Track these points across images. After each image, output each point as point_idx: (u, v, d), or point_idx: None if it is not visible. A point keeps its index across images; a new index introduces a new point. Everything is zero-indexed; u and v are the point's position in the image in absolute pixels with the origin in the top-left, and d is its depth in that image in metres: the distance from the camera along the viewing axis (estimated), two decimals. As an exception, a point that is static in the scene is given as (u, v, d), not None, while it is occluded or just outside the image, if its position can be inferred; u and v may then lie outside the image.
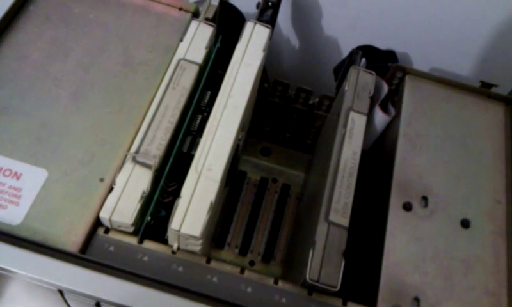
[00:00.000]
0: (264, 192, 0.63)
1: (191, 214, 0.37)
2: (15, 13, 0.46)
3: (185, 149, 0.43)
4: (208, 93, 0.46)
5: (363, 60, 0.52)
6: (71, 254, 0.35)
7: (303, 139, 0.64)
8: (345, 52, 0.60)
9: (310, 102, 0.57)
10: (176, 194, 0.41)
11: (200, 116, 0.46)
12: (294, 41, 0.64)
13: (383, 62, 0.52)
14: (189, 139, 0.44)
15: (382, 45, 0.57)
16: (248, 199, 0.63)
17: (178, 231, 0.36)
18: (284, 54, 0.66)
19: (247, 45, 0.45)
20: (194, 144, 0.44)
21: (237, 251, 0.59)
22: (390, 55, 0.57)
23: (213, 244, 0.59)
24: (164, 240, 0.39)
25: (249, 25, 0.46)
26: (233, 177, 0.54)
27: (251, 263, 0.59)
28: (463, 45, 0.56)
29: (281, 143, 0.65)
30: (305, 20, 0.61)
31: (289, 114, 0.59)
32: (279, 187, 0.64)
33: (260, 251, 0.60)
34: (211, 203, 0.37)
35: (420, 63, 0.59)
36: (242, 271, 0.38)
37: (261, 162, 0.66)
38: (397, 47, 0.58)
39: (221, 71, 0.48)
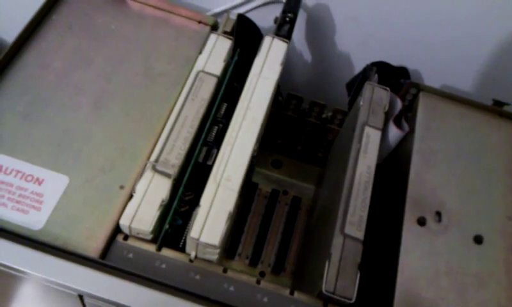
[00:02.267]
0: (275, 204, 0.64)
1: (210, 223, 0.37)
2: (38, 22, 0.47)
3: (200, 160, 0.44)
4: (225, 105, 0.47)
5: (376, 76, 0.52)
6: (93, 260, 0.36)
7: (314, 152, 0.64)
8: (358, 68, 0.61)
9: (323, 115, 0.57)
10: (193, 203, 0.42)
11: (216, 127, 0.46)
12: (307, 56, 0.65)
13: (395, 78, 0.53)
14: (204, 149, 0.45)
15: (394, 61, 0.58)
16: (258, 211, 0.63)
17: (198, 239, 0.37)
18: (297, 68, 0.67)
19: (265, 59, 0.46)
20: (209, 155, 0.45)
21: (247, 261, 0.60)
22: (402, 71, 0.58)
23: (224, 254, 0.59)
24: (178, 248, 0.40)
25: (267, 40, 0.47)
26: (246, 188, 0.55)
27: (261, 274, 0.59)
28: (474, 63, 0.57)
29: (293, 156, 0.66)
30: (318, 35, 0.62)
31: (302, 127, 0.60)
32: (289, 199, 0.65)
33: (270, 263, 0.60)
34: (230, 213, 0.38)
35: (431, 80, 0.60)
36: (258, 281, 0.39)
37: (272, 174, 0.66)
38: (409, 64, 0.59)
39: (236, 84, 0.49)
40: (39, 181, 0.39)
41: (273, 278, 0.59)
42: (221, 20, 0.49)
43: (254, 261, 0.60)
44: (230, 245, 0.60)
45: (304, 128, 0.60)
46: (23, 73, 0.44)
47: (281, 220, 0.63)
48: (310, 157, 0.65)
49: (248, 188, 0.64)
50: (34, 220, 0.37)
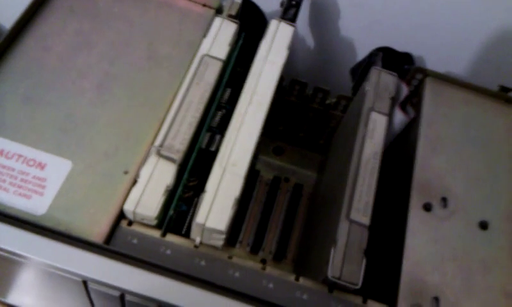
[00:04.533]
0: (276, 191, 0.64)
1: (216, 209, 0.37)
2: (39, 5, 0.46)
3: (203, 146, 0.44)
4: (228, 90, 0.47)
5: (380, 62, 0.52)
6: (97, 245, 0.35)
7: (316, 139, 0.64)
8: (362, 54, 0.61)
9: (327, 101, 0.57)
10: (197, 189, 0.41)
11: (220, 113, 0.46)
12: (311, 42, 0.64)
13: (399, 64, 0.53)
14: (207, 135, 0.44)
15: (398, 47, 0.57)
16: (260, 198, 0.63)
17: (204, 225, 0.36)
18: (300, 53, 0.66)
19: (271, 43, 0.45)
20: (212, 141, 0.44)
21: (248, 249, 0.60)
22: (407, 57, 0.57)
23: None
24: (181, 234, 0.39)
25: (273, 23, 0.46)
26: (250, 175, 0.54)
27: (263, 261, 0.59)
28: (479, 49, 0.57)
29: (294, 143, 0.66)
30: (322, 20, 0.61)
31: (305, 114, 0.60)
32: (291, 186, 0.64)
33: (271, 250, 0.60)
34: (236, 198, 0.38)
35: (435, 66, 0.59)
36: (263, 267, 0.39)
37: (274, 161, 0.66)
38: (413, 50, 0.58)
39: (239, 69, 0.49)
40: (41, 166, 0.39)
41: (275, 265, 0.59)
42: (225, 4, 0.49)
43: (255, 249, 0.59)
44: (231, 232, 0.60)
45: (307, 115, 0.60)
46: (24, 56, 0.43)
47: (282, 208, 0.63)
48: (312, 144, 0.65)
49: (249, 175, 0.63)
50: (36, 205, 0.37)
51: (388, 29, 0.59)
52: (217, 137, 0.43)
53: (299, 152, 0.66)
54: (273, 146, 0.67)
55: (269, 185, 0.64)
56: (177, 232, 0.40)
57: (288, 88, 0.57)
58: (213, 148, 0.43)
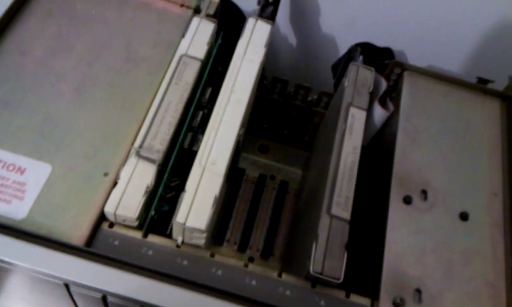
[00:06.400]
0: (262, 189, 0.64)
1: (196, 208, 0.37)
2: (17, 8, 0.46)
3: (186, 146, 0.44)
4: (209, 89, 0.47)
5: (360, 57, 0.52)
6: (77, 248, 0.35)
7: (300, 136, 0.64)
8: (343, 50, 0.61)
9: (309, 98, 0.57)
10: (179, 189, 0.42)
11: (201, 112, 0.46)
12: (292, 39, 0.64)
13: (379, 59, 0.53)
14: (189, 135, 0.44)
15: (379, 42, 0.58)
16: (246, 196, 0.63)
17: (184, 224, 0.36)
18: (282, 51, 0.66)
19: (249, 41, 0.45)
20: (195, 140, 0.44)
21: (235, 247, 0.60)
22: (387, 52, 0.58)
23: (212, 240, 0.59)
24: (166, 235, 0.39)
25: (250, 22, 0.46)
26: (233, 173, 0.54)
27: (250, 259, 0.59)
28: (458, 42, 0.57)
29: (279, 140, 0.66)
30: (303, 17, 0.61)
31: (288, 111, 0.60)
32: (277, 183, 0.65)
33: (258, 248, 0.60)
34: (215, 197, 0.38)
35: (416, 60, 0.60)
36: (246, 264, 0.39)
37: (259, 159, 0.66)
38: (394, 45, 0.59)
39: (221, 68, 0.49)
40: (21, 170, 0.38)
41: (262, 263, 0.59)
42: (203, 3, 0.49)
43: (243, 247, 0.60)
44: (218, 231, 0.60)
45: (290, 112, 0.60)
46: (2, 60, 0.43)
47: (269, 205, 0.63)
48: (296, 141, 0.65)
49: (235, 174, 0.63)
50: (17, 210, 0.37)
51: (370, 25, 0.60)
52: (200, 137, 0.43)
53: (284, 149, 0.67)
54: (258, 144, 0.67)
55: (255, 183, 0.64)
56: (162, 233, 0.40)
57: (269, 86, 0.57)
58: (196, 148, 0.43)
